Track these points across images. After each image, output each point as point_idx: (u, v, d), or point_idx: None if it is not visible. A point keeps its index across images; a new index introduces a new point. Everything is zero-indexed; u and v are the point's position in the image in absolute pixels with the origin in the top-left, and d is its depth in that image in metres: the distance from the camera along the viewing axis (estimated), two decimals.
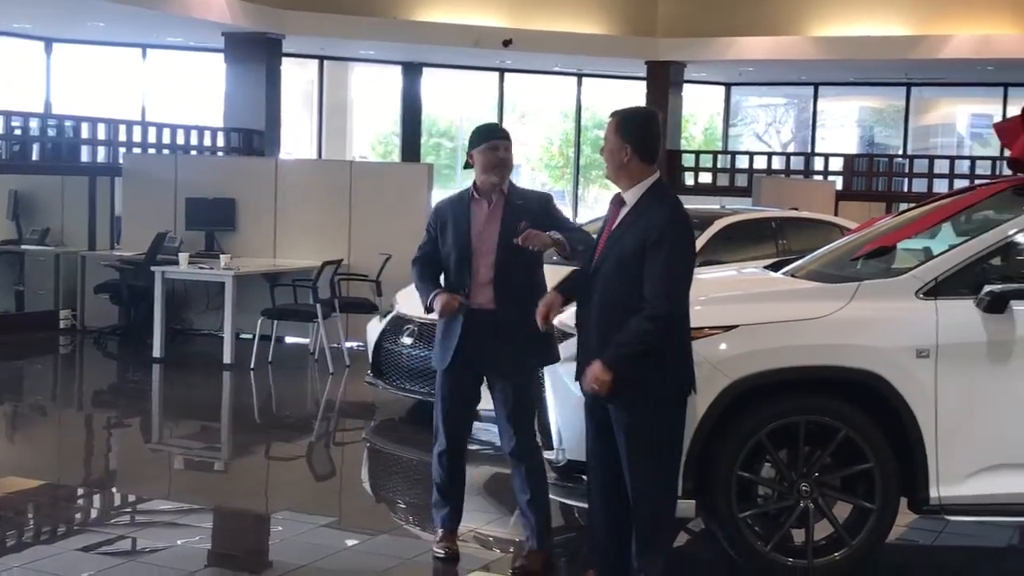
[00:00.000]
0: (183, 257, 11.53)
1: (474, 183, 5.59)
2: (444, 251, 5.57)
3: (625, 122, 4.88)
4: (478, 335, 5.45)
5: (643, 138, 4.87)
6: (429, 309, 5.55)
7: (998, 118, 18.45)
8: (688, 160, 24.34)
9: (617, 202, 4.93)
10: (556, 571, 5.47)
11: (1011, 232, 5.55)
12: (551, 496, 5.60)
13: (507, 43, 21.35)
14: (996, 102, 24.91)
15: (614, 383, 4.68)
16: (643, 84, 23.60)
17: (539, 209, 5.49)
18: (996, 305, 5.25)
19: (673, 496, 4.98)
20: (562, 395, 5.47)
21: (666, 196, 4.91)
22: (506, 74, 24.73)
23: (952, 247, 5.56)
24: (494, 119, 24.81)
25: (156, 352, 11.33)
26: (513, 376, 5.47)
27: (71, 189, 13.97)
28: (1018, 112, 6.21)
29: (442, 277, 5.62)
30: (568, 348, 5.38)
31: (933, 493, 5.26)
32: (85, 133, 16.19)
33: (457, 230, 5.51)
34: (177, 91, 22.19)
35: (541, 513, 5.50)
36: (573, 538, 6.28)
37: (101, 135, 16.40)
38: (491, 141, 5.50)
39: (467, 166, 5.62)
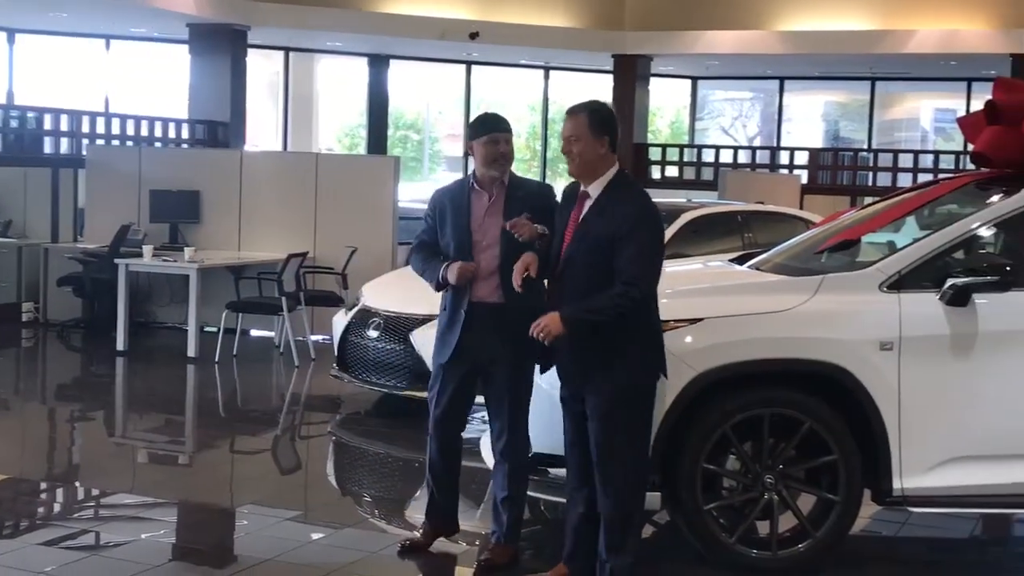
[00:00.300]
0: (147, 250, 11.45)
1: (473, 173, 5.48)
2: (443, 242, 5.46)
3: (599, 117, 4.89)
4: (481, 329, 5.35)
5: (614, 131, 4.91)
6: (442, 285, 5.40)
7: (962, 113, 18.60)
8: (655, 153, 24.40)
9: (581, 196, 4.92)
10: (521, 564, 5.47)
11: (974, 226, 5.59)
12: None
13: (474, 36, 21.34)
14: (960, 97, 25.12)
15: (592, 372, 4.72)
16: (610, 77, 23.64)
17: (540, 203, 5.35)
18: (959, 298, 5.28)
19: (643, 488, 4.98)
20: (535, 390, 5.47)
21: (632, 186, 4.96)
22: (473, 67, 24.72)
23: (916, 241, 5.60)
24: (461, 112, 24.82)
25: (120, 345, 11.25)
26: (512, 373, 5.38)
27: (34, 181, 13.85)
28: (981, 107, 6.25)
29: None
30: None
31: (896, 485, 5.30)
32: (48, 125, 16.08)
33: (457, 221, 5.40)
34: (141, 83, 22.07)
35: (515, 511, 5.47)
36: (539, 531, 6.28)
37: (64, 127, 16.29)
38: (492, 134, 5.37)
39: (466, 155, 5.53)
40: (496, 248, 5.32)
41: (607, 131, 4.87)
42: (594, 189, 4.89)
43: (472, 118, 5.91)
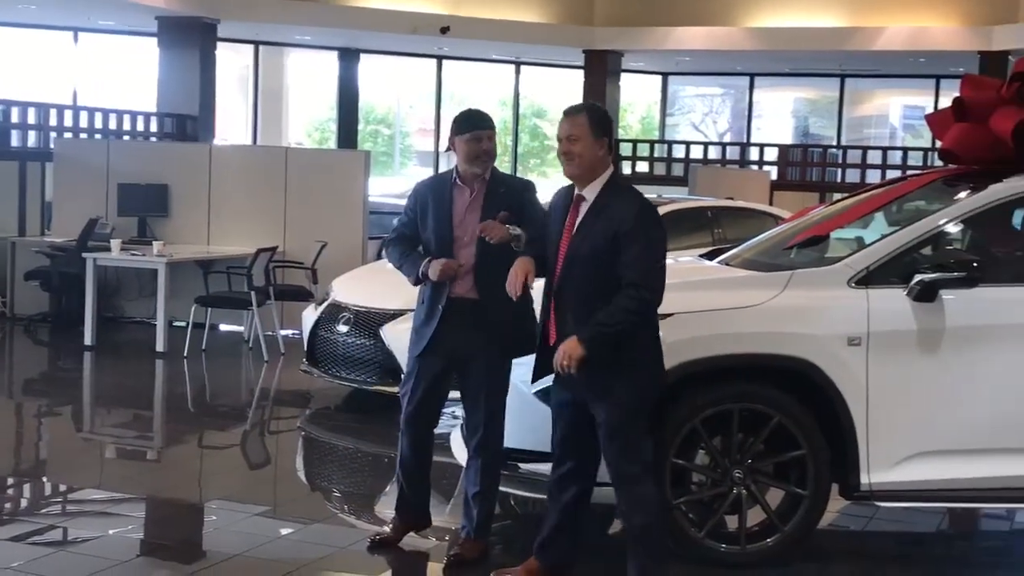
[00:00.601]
0: (115, 243, 11.39)
1: (456, 168, 5.46)
2: (424, 236, 5.44)
3: (600, 118, 4.84)
4: (457, 324, 5.33)
5: (612, 133, 4.90)
6: (421, 279, 5.38)
7: (930, 110, 18.70)
8: (625, 149, 24.42)
9: (576, 200, 4.85)
10: (490, 559, 5.47)
11: (941, 222, 5.63)
12: None
13: (445, 30, 21.31)
14: (928, 94, 25.26)
15: (602, 386, 4.65)
16: (581, 73, 23.66)
17: (520, 198, 5.38)
18: (926, 294, 5.32)
19: (654, 494, 4.89)
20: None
21: (628, 187, 4.91)
22: (444, 61, 24.68)
23: (884, 237, 5.63)
24: (432, 107, 24.78)
25: (87, 340, 11.19)
26: (489, 369, 5.37)
27: (0, 174, 13.74)
28: (950, 104, 6.29)
29: None
30: None
31: (864, 479, 5.33)
32: (15, 117, 15.94)
33: (438, 216, 5.38)
34: (110, 76, 21.92)
35: (486, 507, 5.47)
36: (509, 526, 6.29)
37: (32, 119, 16.15)
38: (475, 131, 5.35)
39: (448, 150, 5.50)
40: (474, 245, 5.30)
41: (606, 132, 4.83)
42: (590, 192, 4.81)
43: (452, 114, 5.91)
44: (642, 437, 4.80)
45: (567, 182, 4.95)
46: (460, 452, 5.93)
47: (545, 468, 5.38)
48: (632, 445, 4.76)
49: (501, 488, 5.58)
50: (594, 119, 4.81)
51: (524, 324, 5.20)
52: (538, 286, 4.96)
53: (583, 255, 4.74)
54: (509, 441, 5.48)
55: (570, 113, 4.86)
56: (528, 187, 5.52)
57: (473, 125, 5.38)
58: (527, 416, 5.45)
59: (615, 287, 4.65)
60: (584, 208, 4.81)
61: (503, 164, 25.22)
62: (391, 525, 5.73)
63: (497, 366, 5.39)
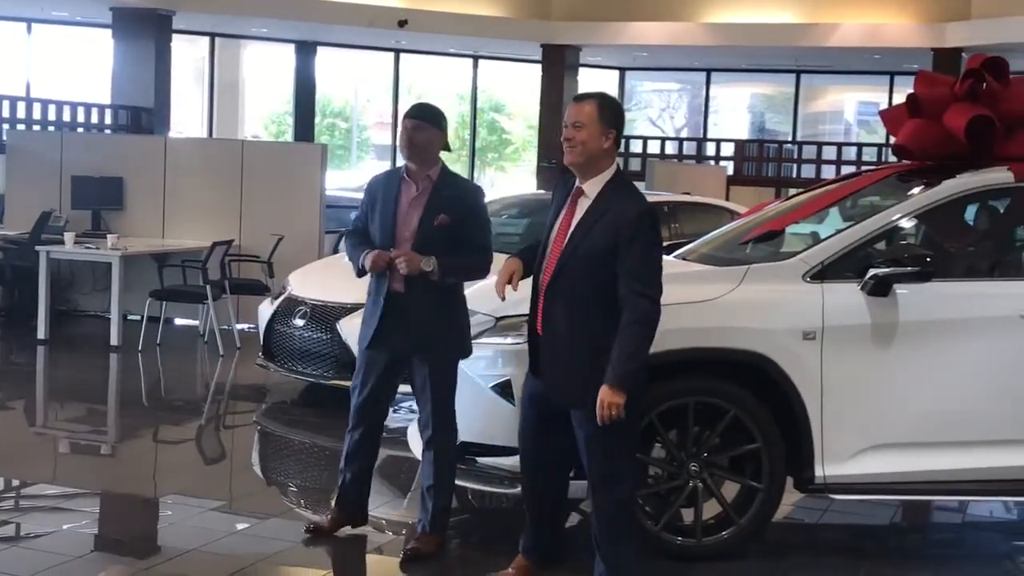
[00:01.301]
0: (69, 237, 11.28)
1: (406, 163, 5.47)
2: (372, 229, 5.45)
3: (610, 107, 4.69)
4: (396, 318, 5.34)
5: (622, 128, 4.74)
6: (361, 272, 5.40)
7: (884, 106, 18.86)
8: None
9: (575, 193, 4.74)
10: (448, 553, 5.48)
11: (895, 217, 5.68)
12: None
13: (402, 23, 21.27)
14: (883, 90, 25.48)
15: (583, 389, 4.56)
16: (539, 67, 23.68)
17: (465, 205, 5.35)
18: (880, 288, 5.36)
19: (632, 500, 4.90)
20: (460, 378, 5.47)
21: (630, 187, 4.76)
22: (402, 55, 24.64)
23: (839, 232, 5.67)
24: (389, 100, 24.72)
25: (40, 334, 11.08)
26: (431, 362, 5.37)
27: None
28: (903, 100, 6.34)
29: None
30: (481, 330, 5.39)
31: (818, 472, 5.37)
32: None
33: (384, 210, 5.39)
34: (63, 67, 21.73)
35: (442, 499, 5.47)
36: (467, 520, 6.29)
37: None
38: (404, 120, 5.38)
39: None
40: (411, 242, 5.29)
41: (616, 125, 4.66)
42: (591, 187, 4.68)
43: (402, 106, 5.95)
44: (630, 443, 4.74)
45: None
46: (417, 445, 5.92)
47: (504, 462, 5.41)
48: (618, 452, 4.68)
49: (458, 482, 5.59)
50: (604, 109, 4.65)
51: (449, 325, 5.28)
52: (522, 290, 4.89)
53: (580, 255, 4.60)
54: (466, 435, 5.48)
55: (579, 99, 4.70)
56: (477, 192, 5.50)
57: (406, 113, 5.40)
58: (484, 410, 5.45)
59: (610, 288, 4.54)
60: (584, 205, 4.68)
61: (461, 158, 25.20)
62: (329, 516, 5.73)
63: (438, 360, 5.38)
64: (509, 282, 4.80)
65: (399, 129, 5.39)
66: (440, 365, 5.38)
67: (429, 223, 5.26)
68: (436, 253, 5.20)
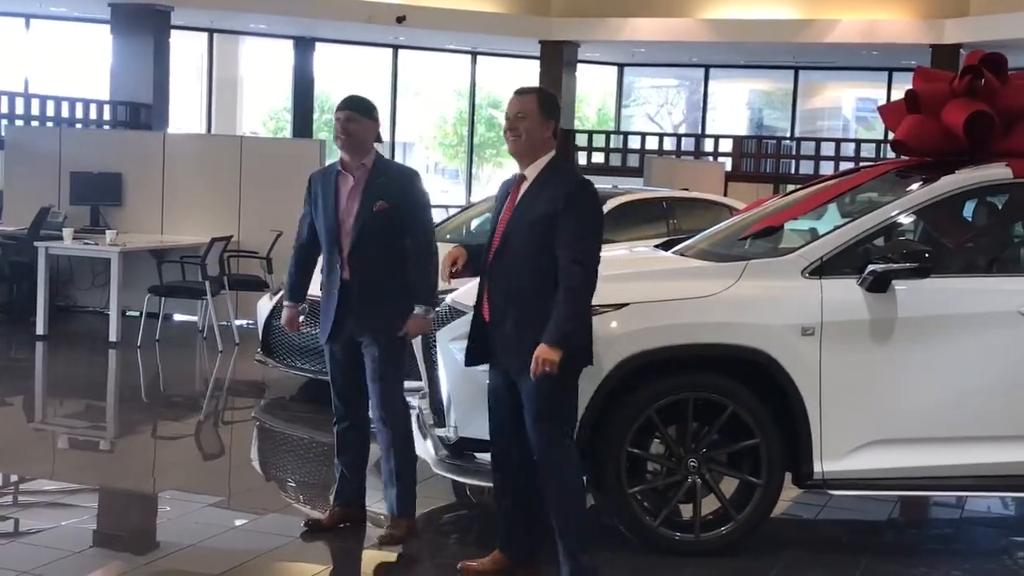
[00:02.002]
0: (67, 232, 11.29)
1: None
2: (317, 225, 5.62)
3: (549, 101, 4.94)
4: (348, 305, 5.51)
5: (558, 119, 4.99)
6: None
7: (883, 102, 18.87)
8: (581, 140, 24.49)
9: (517, 180, 4.93)
10: (446, 549, 5.48)
11: (894, 213, 5.68)
12: (440, 472, 5.65)
13: (401, 19, 21.26)
14: (881, 86, 25.49)
15: (526, 359, 4.66)
16: (537, 63, 23.68)
17: (400, 189, 5.51)
18: (879, 284, 5.37)
19: (579, 475, 4.96)
20: (453, 372, 5.48)
21: (566, 167, 5.03)
22: (400, 51, 24.63)
23: (837, 228, 5.67)
24: (388, 96, 24.70)
25: (39, 329, 11.08)
26: (375, 343, 5.50)
27: None
28: (902, 96, 6.34)
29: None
30: (461, 326, 5.40)
31: (817, 468, 5.38)
32: None
33: (326, 205, 5.55)
34: (62, 63, 21.71)
35: (405, 481, 5.57)
36: (465, 516, 6.29)
37: None
38: (336, 111, 5.53)
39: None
40: (353, 232, 5.47)
41: (553, 116, 4.93)
42: (531, 171, 4.90)
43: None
44: (569, 408, 4.85)
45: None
46: (417, 442, 5.93)
47: None
48: (559, 415, 4.80)
49: (457, 478, 5.61)
50: (544, 101, 4.91)
51: (398, 305, 5.44)
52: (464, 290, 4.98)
53: (520, 230, 4.81)
54: (465, 431, 5.49)
55: (520, 92, 4.96)
56: (412, 176, 5.65)
57: (337, 106, 5.55)
58: (481, 406, 5.45)
59: (550, 263, 4.70)
60: (525, 186, 4.90)
61: (459, 154, 25.19)
62: (328, 511, 5.81)
63: (382, 345, 5.50)
64: (453, 265, 4.96)
65: (335, 121, 5.54)
66: (390, 345, 5.51)
67: (368, 211, 5.43)
68: (378, 239, 5.43)
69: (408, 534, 5.54)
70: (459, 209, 14.01)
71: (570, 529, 4.85)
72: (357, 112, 5.49)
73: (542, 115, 4.87)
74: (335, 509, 5.76)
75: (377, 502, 5.90)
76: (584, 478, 5.24)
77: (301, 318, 5.89)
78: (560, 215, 4.70)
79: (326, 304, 5.59)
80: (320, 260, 5.71)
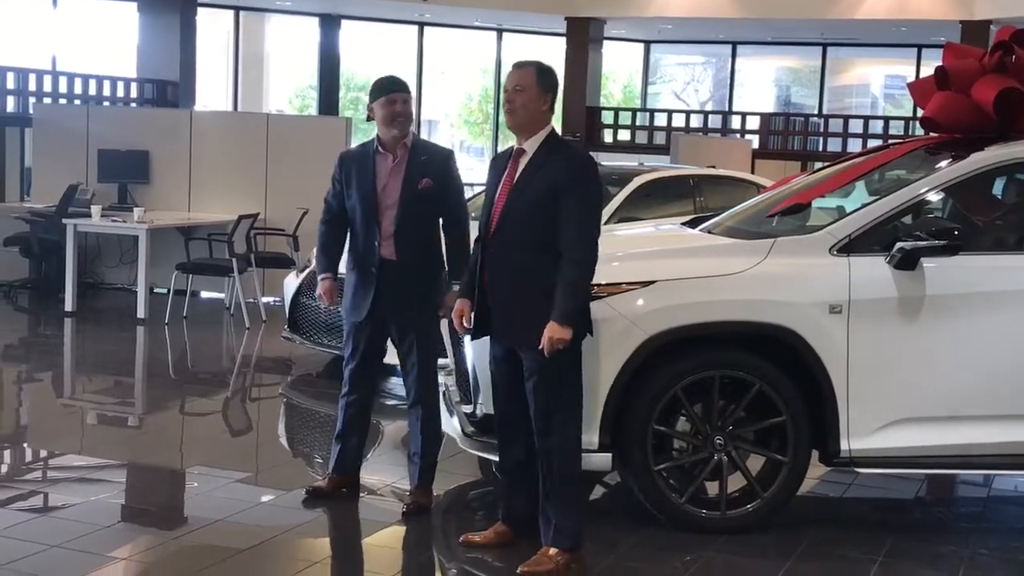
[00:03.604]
0: (95, 210, 11.34)
1: (377, 136, 5.66)
2: (349, 204, 5.67)
3: (546, 74, 4.97)
4: (389, 287, 5.57)
5: (556, 93, 5.02)
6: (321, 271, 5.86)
7: (911, 79, 18.73)
8: (607, 117, 24.41)
9: (516, 154, 4.98)
10: (472, 525, 5.50)
11: (923, 191, 5.65)
12: (466, 448, 5.69)
13: None
14: (910, 63, 25.30)
15: (528, 329, 4.77)
16: (563, 40, 23.59)
17: (441, 167, 5.63)
18: (907, 262, 5.34)
19: (578, 442, 5.01)
20: (480, 350, 5.48)
21: (565, 142, 5.09)
22: (426, 28, 24.59)
23: (865, 205, 5.64)
24: (413, 74, 24.68)
25: (68, 306, 11.15)
26: (415, 324, 5.62)
27: None
28: (931, 72, 6.29)
29: (348, 234, 5.78)
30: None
31: (844, 446, 5.36)
32: None
33: (362, 185, 5.59)
34: (89, 41, 21.76)
35: (430, 458, 5.73)
36: (490, 492, 6.30)
37: (11, 84, 16.06)
38: (390, 94, 5.58)
39: (368, 119, 5.71)
40: (396, 209, 5.54)
41: (551, 90, 4.97)
42: (530, 145, 4.94)
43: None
44: (572, 381, 4.90)
45: None
46: (443, 419, 5.95)
47: None
48: (562, 389, 4.86)
49: (482, 455, 5.64)
50: (542, 74, 4.94)
51: (433, 287, 5.58)
52: None
53: (521, 206, 4.85)
54: (491, 408, 5.48)
55: (518, 66, 5.01)
56: (450, 156, 5.76)
57: (387, 89, 5.62)
58: None
59: (548, 234, 4.78)
60: (524, 161, 4.94)
61: (484, 131, 25.15)
62: (327, 478, 5.92)
63: (423, 326, 5.63)
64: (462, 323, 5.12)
65: (383, 104, 5.57)
66: (427, 328, 5.65)
67: (413, 188, 5.51)
68: (419, 218, 5.52)
69: (431, 502, 5.71)
70: (484, 187, 13.99)
71: (563, 493, 4.91)
72: (408, 93, 5.65)
73: (540, 88, 4.92)
74: (334, 476, 5.89)
75: (402, 478, 5.92)
76: (610, 455, 5.27)
77: (323, 304, 5.98)
78: (560, 191, 4.76)
79: (361, 283, 5.65)
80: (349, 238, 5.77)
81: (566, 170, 4.81)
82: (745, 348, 5.38)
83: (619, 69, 29.03)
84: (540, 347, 4.72)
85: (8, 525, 5.36)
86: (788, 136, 23.57)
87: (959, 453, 5.47)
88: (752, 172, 15.88)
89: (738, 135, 23.31)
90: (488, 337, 5.11)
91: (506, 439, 5.15)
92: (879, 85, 29.08)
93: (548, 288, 4.75)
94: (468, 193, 7.50)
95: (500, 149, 26.00)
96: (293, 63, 25.96)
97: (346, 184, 5.67)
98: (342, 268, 5.88)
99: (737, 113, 24.80)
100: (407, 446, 5.96)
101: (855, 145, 21.50)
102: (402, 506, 5.67)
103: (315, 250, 5.92)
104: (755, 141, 22.41)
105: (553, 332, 4.69)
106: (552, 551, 4.92)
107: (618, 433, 5.28)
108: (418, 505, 5.65)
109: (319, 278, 5.85)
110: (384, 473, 6.17)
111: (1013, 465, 5.65)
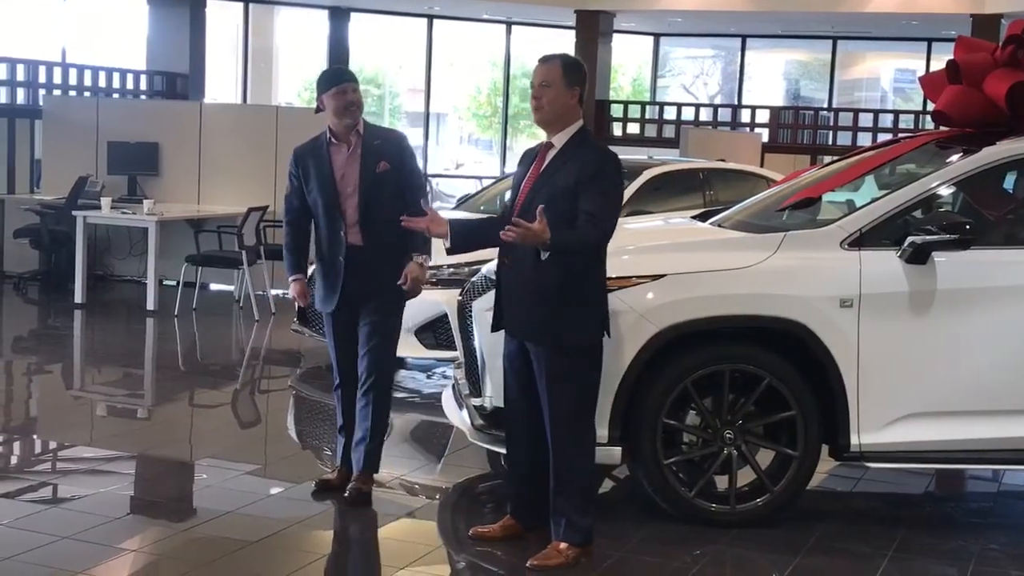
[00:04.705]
0: (105, 202, 11.35)
1: (329, 128, 5.71)
2: (311, 198, 5.69)
3: (574, 68, 4.92)
4: (357, 273, 5.59)
5: (584, 85, 4.96)
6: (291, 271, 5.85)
7: (922, 72, 18.69)
8: (616, 110, 24.35)
9: (544, 147, 4.95)
10: (481, 518, 5.50)
11: (934, 185, 5.63)
12: (476, 442, 5.69)
13: None
14: (920, 57, 25.21)
15: (543, 327, 4.75)
16: (572, 33, 23.54)
17: (395, 148, 5.66)
18: (918, 256, 5.33)
19: (593, 440, 5.01)
20: (491, 343, 5.47)
21: (593, 138, 5.03)
22: (435, 21, 24.54)
23: (876, 199, 5.63)
24: (422, 67, 24.67)
25: (78, 298, 11.17)
26: (380, 310, 5.63)
27: None
28: (942, 66, 6.28)
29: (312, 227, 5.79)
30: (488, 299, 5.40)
31: (854, 440, 5.36)
32: (4, 74, 15.85)
33: (321, 177, 5.63)
34: (99, 33, 21.76)
35: (378, 439, 5.71)
36: (499, 485, 6.30)
37: (21, 76, 16.06)
38: (340, 85, 5.62)
39: (317, 111, 5.75)
40: (357, 196, 5.57)
41: (579, 83, 4.90)
42: (559, 140, 4.89)
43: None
44: (586, 381, 4.88)
45: None
46: (452, 412, 5.95)
47: None
48: (576, 389, 4.84)
49: (490, 448, 5.63)
50: (568, 68, 4.89)
51: (395, 270, 5.55)
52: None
53: (544, 197, 4.79)
54: (500, 401, 5.48)
55: (544, 60, 4.95)
56: (403, 138, 5.80)
57: (336, 80, 5.68)
58: None
59: (570, 225, 4.72)
60: (551, 154, 4.91)
61: (493, 125, 25.13)
62: (336, 471, 5.91)
63: (384, 311, 5.64)
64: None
65: (334, 95, 5.61)
66: (388, 310, 5.66)
67: (371, 173, 5.55)
68: (380, 201, 5.52)
69: (372, 486, 5.70)
70: (493, 180, 13.98)
71: (574, 489, 4.90)
72: (357, 82, 5.68)
73: (566, 82, 4.86)
74: (342, 468, 5.87)
75: (412, 471, 5.93)
76: (620, 449, 5.27)
77: (300, 304, 5.98)
78: (584, 182, 4.73)
79: (330, 273, 5.66)
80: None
81: (590, 165, 4.76)
82: (755, 342, 5.37)
83: (628, 62, 28.97)
84: (572, 355, 4.75)
85: (18, 516, 5.37)
86: (798, 130, 23.50)
87: (969, 448, 5.46)
88: (761, 166, 15.85)
89: (747, 129, 23.24)
90: (495, 326, 5.10)
91: (515, 433, 5.14)
92: (889, 79, 29.00)
93: (563, 285, 4.74)
94: (477, 185, 7.50)
95: (508, 142, 25.68)
96: (302, 56, 25.94)
97: (304, 179, 5.70)
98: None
99: (747, 107, 24.73)
100: (416, 439, 5.95)
101: (865, 139, 21.44)
102: (344, 493, 5.66)
103: (285, 245, 5.88)
104: (764, 135, 22.34)
105: (536, 226, 4.53)
106: (563, 545, 4.91)
107: (628, 427, 5.28)
108: (360, 491, 5.64)
109: (290, 279, 5.83)
110: (393, 465, 6.16)
111: (1023, 460, 5.64)
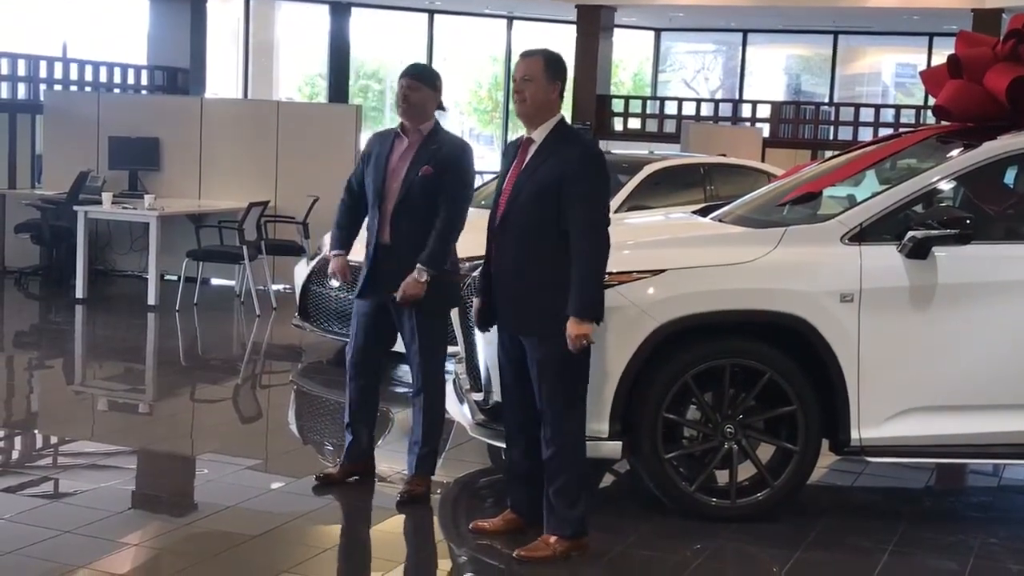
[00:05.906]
0: (106, 197, 11.36)
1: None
2: (367, 182, 5.72)
3: (555, 63, 4.96)
4: (382, 269, 5.60)
5: (565, 80, 5.01)
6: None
7: (923, 67, 18.69)
8: (617, 105, 24.36)
9: (524, 143, 4.98)
10: (482, 512, 5.50)
11: (935, 179, 5.63)
12: (476, 436, 5.71)
13: None
14: (921, 52, 25.21)
15: (532, 318, 4.82)
16: (573, 28, 23.54)
17: (448, 157, 5.57)
18: (919, 251, 5.33)
19: (583, 432, 5.00)
20: (490, 337, 5.48)
21: (574, 132, 5.06)
22: (435, 16, 24.55)
23: (877, 194, 5.63)
24: (423, 61, 24.67)
25: (79, 293, 11.18)
26: (415, 314, 5.58)
27: None
28: (943, 61, 6.27)
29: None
30: None
31: (854, 435, 5.36)
32: (5, 69, 15.85)
33: (377, 163, 5.65)
34: (100, 27, 21.76)
35: (430, 446, 5.70)
36: (499, 480, 6.30)
37: (22, 71, 16.06)
38: (401, 78, 5.64)
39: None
40: (398, 193, 5.57)
41: (560, 78, 4.96)
42: (538, 134, 4.93)
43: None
44: (578, 371, 4.88)
45: None
46: (453, 407, 5.95)
47: None
48: (568, 381, 4.85)
49: (491, 442, 5.66)
50: (549, 63, 4.93)
51: (445, 279, 5.55)
52: None
53: (525, 195, 4.84)
54: (500, 395, 5.49)
55: (526, 55, 5.00)
56: (463, 147, 5.69)
57: (403, 73, 5.67)
58: None
59: (554, 224, 4.76)
60: (532, 149, 4.93)
61: (495, 119, 25.12)
62: (337, 465, 5.92)
63: (426, 312, 5.59)
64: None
65: (397, 88, 5.65)
66: (427, 316, 5.59)
67: (415, 174, 5.53)
68: (416, 206, 5.51)
69: (427, 489, 5.71)
70: (493, 175, 13.98)
71: (567, 480, 4.90)
72: (420, 80, 5.62)
73: (548, 77, 4.90)
74: (345, 463, 5.89)
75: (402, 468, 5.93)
76: (620, 443, 5.27)
77: (335, 283, 5.98)
78: (566, 182, 4.74)
79: (365, 260, 5.70)
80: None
81: (573, 161, 4.78)
82: (756, 337, 5.38)
83: (629, 57, 28.95)
84: (563, 346, 4.70)
85: (20, 511, 5.38)
86: (799, 124, 23.50)
87: (969, 442, 5.47)
88: (762, 160, 15.85)
89: (748, 123, 23.25)
90: (481, 324, 5.13)
91: (513, 427, 5.15)
92: (890, 73, 28.99)
93: (551, 277, 4.76)
94: (478, 180, 7.48)
95: (510, 137, 25.85)
96: (303, 50, 25.93)
97: (367, 162, 5.73)
98: (354, 257, 5.86)
99: (748, 101, 24.73)
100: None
101: (866, 134, 21.44)
102: (396, 494, 5.66)
103: (336, 219, 5.91)
104: (766, 129, 22.34)
105: (572, 329, 4.67)
106: (552, 538, 4.92)
107: (628, 421, 5.28)
108: (412, 494, 5.63)
109: (332, 254, 5.87)
110: (395, 460, 6.16)
111: (1023, 455, 5.64)
